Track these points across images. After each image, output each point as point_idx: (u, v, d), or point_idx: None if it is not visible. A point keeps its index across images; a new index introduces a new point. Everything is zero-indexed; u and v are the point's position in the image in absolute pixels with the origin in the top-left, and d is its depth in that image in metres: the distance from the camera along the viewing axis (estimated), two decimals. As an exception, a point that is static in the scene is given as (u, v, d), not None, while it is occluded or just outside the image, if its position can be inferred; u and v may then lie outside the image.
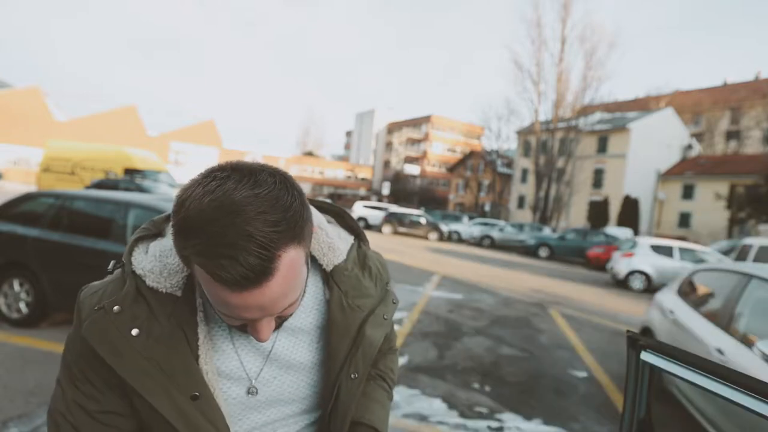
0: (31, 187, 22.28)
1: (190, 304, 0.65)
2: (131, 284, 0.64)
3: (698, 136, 44.27)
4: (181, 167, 44.05)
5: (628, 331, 0.92)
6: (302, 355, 0.74)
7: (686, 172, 33.88)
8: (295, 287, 0.58)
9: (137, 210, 4.37)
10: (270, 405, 0.73)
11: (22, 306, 4.35)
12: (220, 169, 0.55)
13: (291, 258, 0.54)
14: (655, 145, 34.64)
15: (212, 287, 0.53)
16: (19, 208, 4.71)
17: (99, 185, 13.75)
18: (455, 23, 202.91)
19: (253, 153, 53.36)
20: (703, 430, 2.81)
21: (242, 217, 0.50)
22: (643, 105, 47.01)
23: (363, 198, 48.35)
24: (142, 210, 4.38)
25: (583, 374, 4.68)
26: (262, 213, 0.51)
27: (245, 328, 0.61)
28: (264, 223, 0.51)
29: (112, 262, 0.70)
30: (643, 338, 0.87)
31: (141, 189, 13.90)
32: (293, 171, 58.40)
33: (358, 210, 24.77)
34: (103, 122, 41.52)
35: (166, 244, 0.67)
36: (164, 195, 10.99)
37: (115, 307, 0.62)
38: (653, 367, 0.84)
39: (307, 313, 0.75)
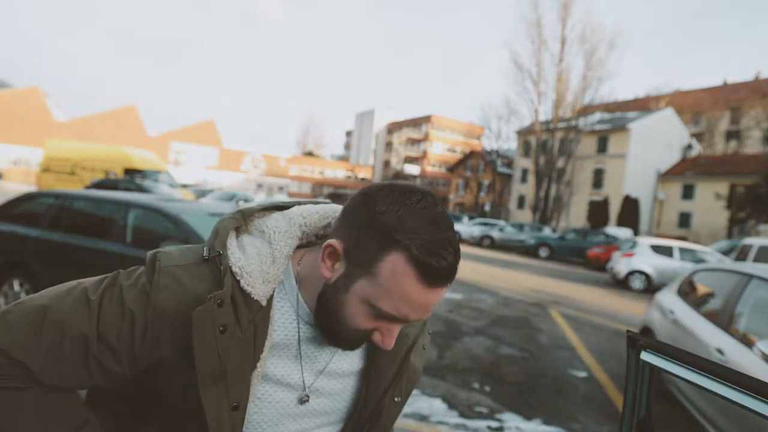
0: (31, 187, 22.28)
1: (268, 314, 0.66)
2: (229, 282, 0.63)
3: (698, 136, 44.26)
4: (181, 167, 44.07)
5: (628, 331, 0.92)
6: (352, 374, 0.78)
7: (686, 172, 33.88)
8: None
9: (137, 210, 4.36)
10: (311, 416, 0.74)
11: (22, 306, 4.35)
12: (411, 188, 0.64)
13: None
14: (655, 145, 34.64)
15: (407, 282, 0.60)
16: (19, 208, 4.71)
17: (99, 185, 13.75)
18: (455, 23, 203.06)
19: (253, 153, 53.37)
20: (703, 430, 2.81)
21: (444, 225, 0.62)
22: (643, 105, 47.00)
23: (363, 198, 48.24)
24: (142, 210, 4.38)
25: (583, 374, 4.68)
26: (451, 226, 0.63)
27: (362, 340, 0.68)
28: (455, 234, 0.63)
29: (205, 248, 0.68)
30: (643, 338, 0.87)
31: (141, 189, 13.90)
32: (293, 171, 58.44)
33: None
34: (103, 122, 41.54)
35: (262, 248, 0.68)
36: (164, 195, 11.00)
37: (219, 301, 0.62)
38: (653, 367, 0.84)
39: None
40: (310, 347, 0.72)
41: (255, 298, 0.64)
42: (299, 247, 0.74)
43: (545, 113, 32.28)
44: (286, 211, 0.74)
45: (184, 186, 23.71)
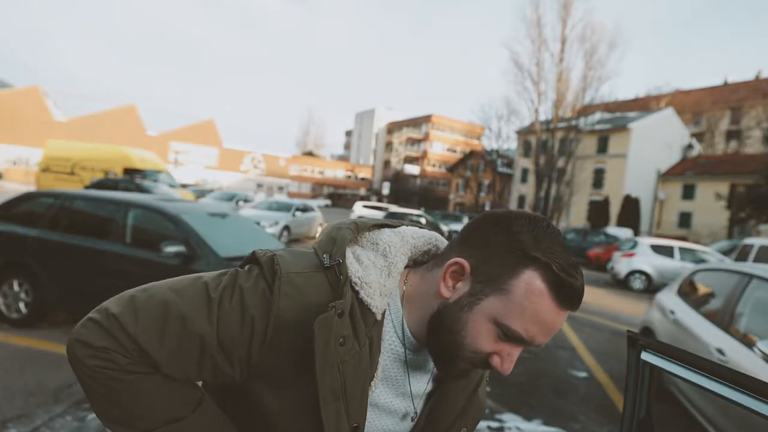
0: (30, 187, 22.28)
1: (380, 331, 0.65)
2: (349, 292, 0.62)
3: (698, 136, 44.23)
4: (180, 167, 44.06)
5: (628, 331, 0.92)
6: (425, 402, 0.77)
7: (686, 172, 33.86)
8: None
9: (137, 210, 4.36)
10: None
11: (22, 306, 4.35)
12: (537, 216, 0.65)
13: None
14: (655, 145, 34.62)
15: (542, 300, 0.60)
16: (19, 208, 4.71)
17: (98, 185, 13.74)
18: (455, 23, 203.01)
19: (253, 153, 53.36)
20: (703, 430, 2.81)
21: (569, 251, 0.63)
22: (644, 105, 46.97)
23: (363, 198, 48.36)
24: (142, 210, 4.38)
25: (583, 374, 4.68)
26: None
27: (477, 365, 0.65)
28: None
29: (325, 255, 0.66)
30: (643, 338, 0.86)
31: (141, 189, 13.90)
32: (293, 171, 58.44)
33: (358, 210, 24.73)
34: (102, 122, 41.53)
35: (377, 261, 0.68)
36: (164, 195, 11.01)
37: (340, 311, 0.60)
38: (653, 367, 0.83)
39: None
40: (417, 369, 0.72)
41: (373, 310, 0.63)
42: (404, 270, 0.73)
43: (545, 113, 32.25)
44: (397, 229, 0.75)
45: (184, 186, 23.72)
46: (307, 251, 0.69)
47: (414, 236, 0.74)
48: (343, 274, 0.63)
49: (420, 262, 0.75)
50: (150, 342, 0.60)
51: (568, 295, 0.60)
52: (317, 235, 10.29)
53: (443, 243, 0.79)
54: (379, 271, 0.66)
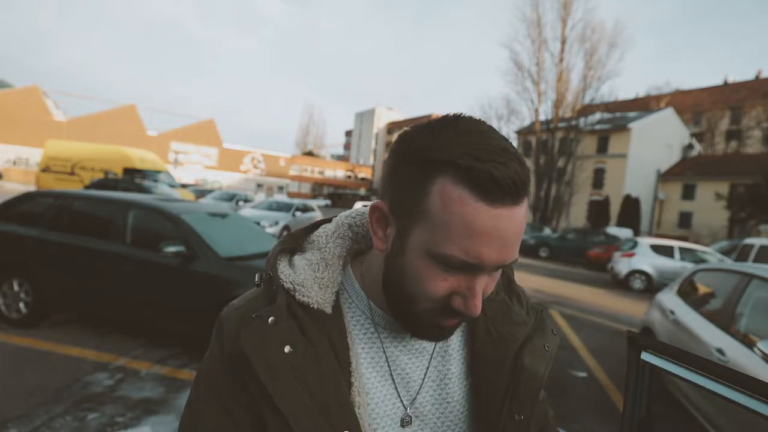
0: (30, 187, 22.28)
1: (340, 323, 0.59)
2: (282, 297, 0.57)
3: (698, 136, 44.23)
4: (180, 167, 44.06)
5: (628, 331, 0.92)
6: (455, 389, 0.66)
7: (686, 172, 33.86)
8: (520, 241, 0.53)
9: (137, 210, 4.36)
10: None
11: (22, 306, 4.35)
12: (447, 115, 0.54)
13: (526, 207, 0.51)
14: (655, 145, 34.63)
15: (463, 207, 0.47)
16: (19, 208, 4.71)
17: (98, 185, 13.74)
18: (456, 23, 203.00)
19: (253, 153, 53.36)
20: (703, 430, 2.81)
21: (495, 135, 0.51)
22: (644, 105, 46.96)
23: (363, 198, 48.33)
24: (142, 210, 4.38)
25: (583, 374, 4.68)
26: (505, 138, 0.52)
27: (444, 316, 0.55)
28: (512, 145, 0.51)
29: (257, 275, 0.63)
30: (643, 338, 0.86)
31: (141, 189, 13.90)
32: (293, 171, 58.43)
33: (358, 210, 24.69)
34: (102, 122, 41.51)
35: (312, 257, 0.62)
36: (164, 195, 11.01)
37: (270, 318, 0.55)
38: (653, 367, 0.83)
39: (451, 341, 0.68)
40: (397, 355, 0.63)
41: (315, 306, 0.58)
42: (359, 254, 0.67)
43: (545, 113, 32.26)
44: (333, 218, 0.69)
45: (184, 186, 23.73)
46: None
47: (352, 215, 0.68)
48: (275, 283, 0.59)
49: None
50: None
51: (493, 186, 0.47)
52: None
53: None
54: (315, 266, 0.61)
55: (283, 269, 0.61)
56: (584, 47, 30.91)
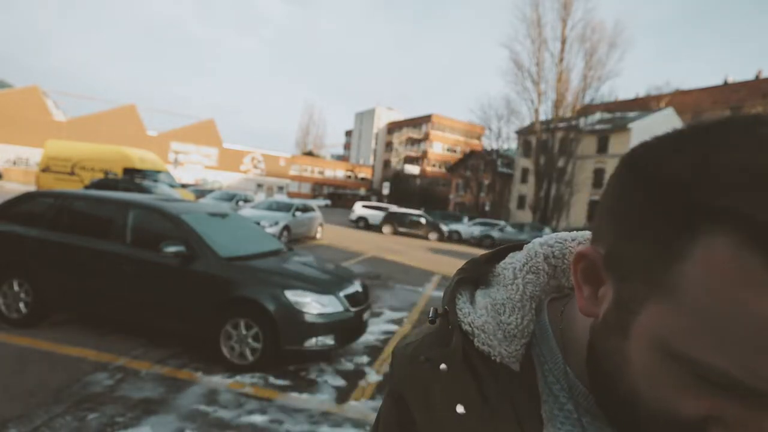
0: (30, 187, 22.27)
1: (531, 388, 0.45)
2: (458, 341, 0.47)
3: (698, 136, 44.21)
4: (180, 167, 44.06)
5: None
6: None
7: (686, 172, 33.91)
8: None
9: (137, 210, 4.36)
10: None
11: (22, 306, 4.35)
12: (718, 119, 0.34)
13: None
14: (655, 144, 34.69)
15: (758, 293, 0.27)
16: (19, 208, 4.71)
17: (98, 185, 13.74)
18: (456, 23, 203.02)
19: (253, 153, 53.36)
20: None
21: None
22: (644, 105, 46.98)
23: (363, 198, 48.34)
24: (142, 210, 4.38)
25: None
26: None
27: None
28: None
29: (431, 310, 0.53)
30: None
31: (141, 189, 13.90)
32: (293, 171, 58.44)
33: (358, 210, 24.75)
34: (102, 122, 41.52)
35: (497, 295, 0.49)
36: (164, 195, 11.00)
37: (442, 365, 0.46)
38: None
39: None
40: None
41: (497, 359, 0.45)
42: (560, 298, 0.51)
43: (545, 113, 32.32)
44: (526, 245, 0.53)
45: (184, 186, 23.72)
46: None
47: (550, 242, 0.51)
48: (451, 321, 0.49)
49: None
50: None
51: None
52: (317, 235, 10.22)
53: None
54: (499, 307, 0.48)
55: (462, 306, 0.50)
56: (584, 47, 30.97)
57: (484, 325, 0.47)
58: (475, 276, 0.54)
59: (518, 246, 0.55)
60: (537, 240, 0.53)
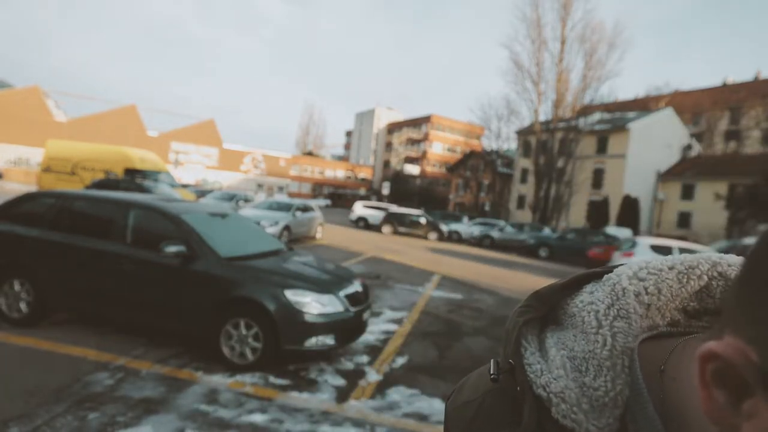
0: (31, 187, 22.28)
1: None
2: (532, 416, 0.38)
3: (698, 136, 44.23)
4: (181, 167, 44.07)
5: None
6: None
7: (686, 172, 33.86)
8: None
9: (137, 210, 4.37)
10: None
11: (23, 306, 4.35)
12: None
13: None
14: (654, 145, 34.63)
15: None
16: (20, 208, 4.72)
17: (99, 185, 13.75)
18: (456, 23, 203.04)
19: (253, 153, 53.35)
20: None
21: None
22: (643, 105, 46.97)
23: (363, 198, 48.33)
24: (143, 210, 4.39)
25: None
26: None
27: None
28: None
29: (492, 363, 0.44)
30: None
31: (141, 189, 13.90)
32: (293, 171, 58.40)
33: (358, 210, 24.75)
34: (103, 122, 41.52)
35: (575, 346, 0.39)
36: (164, 195, 11.01)
37: None
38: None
39: None
40: None
41: None
42: (658, 337, 0.40)
43: (545, 113, 32.31)
44: (607, 276, 0.42)
45: (185, 186, 23.73)
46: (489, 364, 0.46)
47: (635, 275, 0.41)
48: (520, 382, 0.40)
49: (697, 312, 0.41)
50: None
51: None
52: (317, 235, 10.20)
53: (731, 271, 0.40)
54: (582, 364, 0.38)
55: (531, 359, 0.40)
56: (584, 47, 30.96)
57: (563, 392, 0.37)
58: (541, 313, 0.44)
59: (594, 275, 0.44)
60: (623, 272, 0.41)
